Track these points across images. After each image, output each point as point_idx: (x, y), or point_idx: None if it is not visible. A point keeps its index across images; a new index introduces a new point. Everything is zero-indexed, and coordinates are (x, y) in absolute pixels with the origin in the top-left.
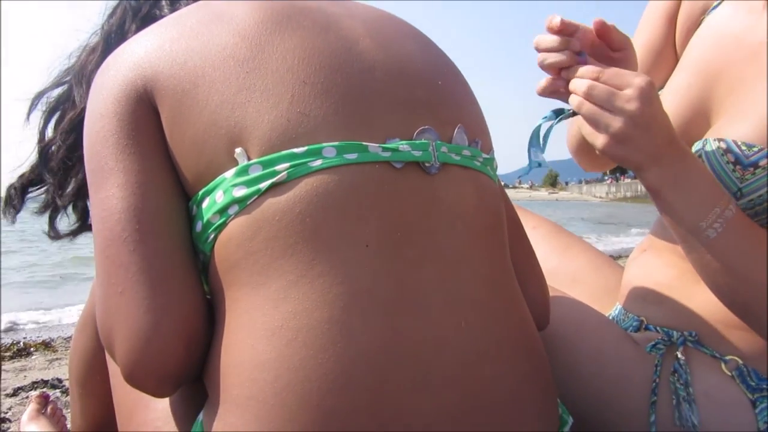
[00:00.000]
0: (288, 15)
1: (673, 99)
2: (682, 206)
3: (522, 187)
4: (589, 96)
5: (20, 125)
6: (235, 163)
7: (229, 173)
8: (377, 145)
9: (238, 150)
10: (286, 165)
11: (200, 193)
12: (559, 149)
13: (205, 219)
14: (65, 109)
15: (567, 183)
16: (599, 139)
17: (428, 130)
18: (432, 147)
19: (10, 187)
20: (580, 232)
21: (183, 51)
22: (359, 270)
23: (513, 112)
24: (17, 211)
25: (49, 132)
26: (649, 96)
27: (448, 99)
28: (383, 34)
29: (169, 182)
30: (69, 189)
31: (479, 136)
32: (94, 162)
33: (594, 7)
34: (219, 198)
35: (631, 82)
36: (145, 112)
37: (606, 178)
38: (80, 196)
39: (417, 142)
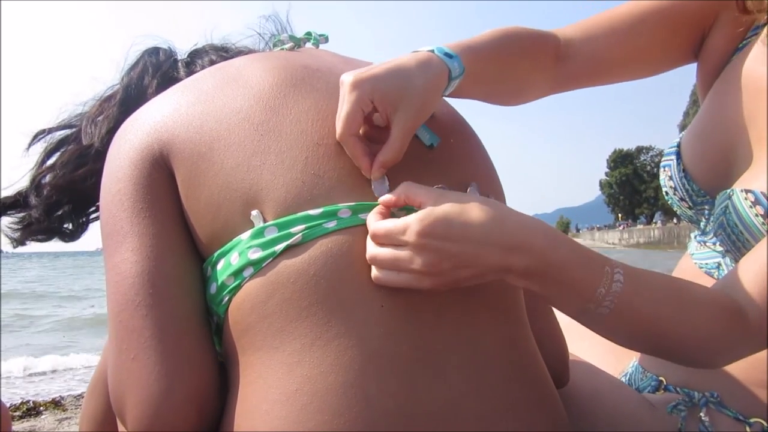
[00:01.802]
0: (301, 78)
1: (696, 143)
2: (561, 297)
3: None
4: (377, 264)
5: (18, 155)
6: (251, 224)
7: (245, 235)
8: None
9: (254, 212)
10: (302, 227)
11: (215, 254)
12: (570, 195)
13: (219, 281)
14: (69, 147)
15: (578, 230)
16: (424, 283)
17: (441, 189)
18: None
19: None
20: None
21: (199, 115)
22: (374, 332)
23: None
24: None
25: (48, 163)
26: (429, 234)
27: (461, 157)
28: None
29: (183, 245)
30: (53, 216)
31: (493, 194)
32: (110, 225)
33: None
34: (234, 260)
35: (400, 235)
36: (161, 175)
37: (619, 224)
38: (67, 219)
39: None
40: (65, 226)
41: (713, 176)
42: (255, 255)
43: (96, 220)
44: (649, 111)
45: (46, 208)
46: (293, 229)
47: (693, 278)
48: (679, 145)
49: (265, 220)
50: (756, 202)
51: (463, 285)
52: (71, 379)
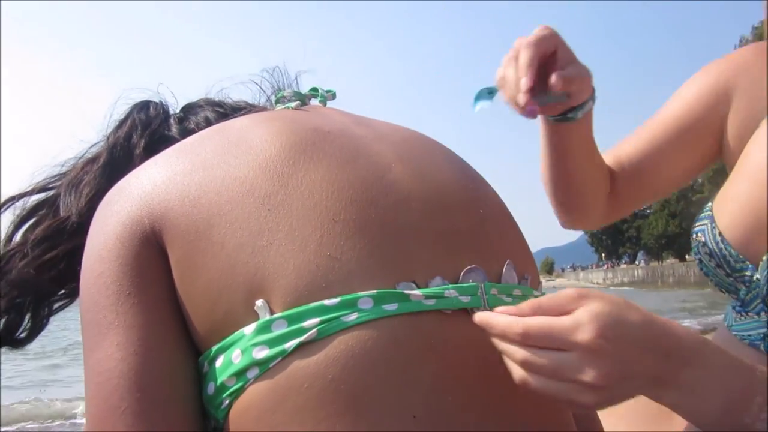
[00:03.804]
0: (312, 142)
1: (733, 205)
2: (717, 412)
3: None
4: (533, 370)
5: None
6: (256, 316)
7: (249, 329)
8: (419, 292)
9: (259, 302)
10: (316, 320)
11: (213, 349)
12: (554, 235)
13: (218, 381)
14: (43, 216)
15: (563, 269)
16: (585, 397)
17: (475, 270)
18: (481, 290)
19: None
20: None
21: (196, 185)
22: None
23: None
24: None
25: (18, 238)
26: (603, 336)
27: (493, 229)
28: (415, 159)
29: (177, 337)
30: (24, 305)
31: (528, 270)
32: (91, 313)
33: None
34: (236, 358)
35: (570, 336)
36: (151, 255)
37: (602, 263)
38: (36, 308)
39: (464, 285)
40: (19, 329)
41: (752, 239)
42: (261, 354)
43: (60, 310)
44: None
45: (12, 297)
46: (306, 323)
47: (736, 350)
48: (711, 209)
49: (272, 312)
50: None
51: (618, 402)
52: None
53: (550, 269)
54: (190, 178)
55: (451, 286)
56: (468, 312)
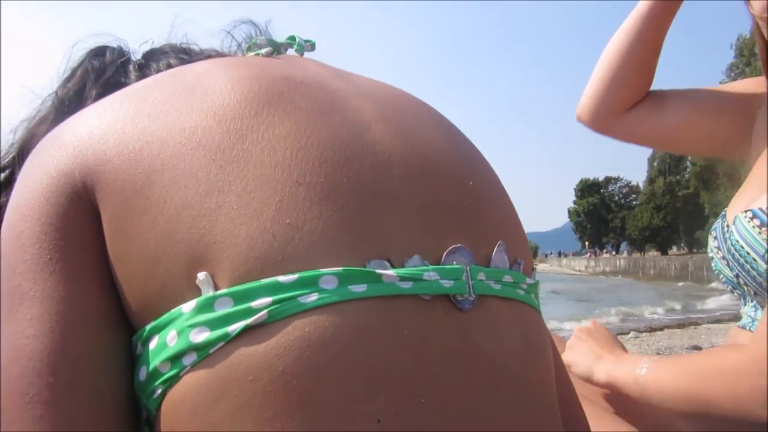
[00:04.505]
0: (280, 92)
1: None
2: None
3: None
4: None
5: None
6: (197, 292)
7: (188, 306)
8: (393, 273)
9: (201, 275)
10: (268, 300)
11: (147, 328)
12: (540, 221)
13: (151, 366)
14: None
15: (546, 255)
16: None
17: (460, 250)
18: (466, 274)
19: None
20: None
21: (138, 134)
22: None
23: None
24: None
25: None
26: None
27: (484, 205)
28: (400, 119)
29: (105, 313)
30: None
31: (521, 254)
32: (7, 281)
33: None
34: (171, 340)
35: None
36: (82, 215)
37: (585, 251)
38: None
39: (447, 267)
40: None
41: None
42: (200, 337)
43: None
44: (619, 142)
45: None
46: (255, 303)
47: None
48: (725, 213)
49: (216, 287)
50: (754, 217)
51: None
52: None
53: (533, 254)
54: (132, 126)
55: (431, 267)
56: (450, 299)
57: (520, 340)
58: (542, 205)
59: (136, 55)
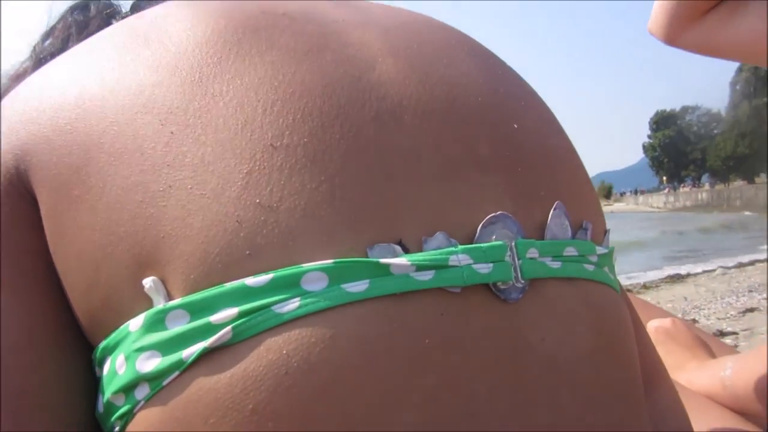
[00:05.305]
0: (254, 29)
1: None
2: None
3: None
4: None
5: None
6: (148, 302)
7: (135, 323)
8: (406, 260)
9: (147, 281)
10: (232, 312)
11: (99, 348)
12: (612, 158)
13: (105, 397)
14: None
15: (622, 194)
16: None
17: (502, 219)
18: (511, 253)
19: None
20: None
21: (75, 101)
22: None
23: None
24: None
25: None
26: None
27: (534, 154)
28: (418, 51)
29: (53, 331)
30: None
31: (588, 214)
32: None
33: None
34: (120, 367)
35: None
36: (18, 207)
37: (663, 187)
38: None
39: (484, 246)
40: None
41: None
42: (149, 364)
43: None
44: (696, 68)
45: None
46: (216, 317)
47: None
48: None
49: (169, 296)
50: None
51: None
52: None
53: (607, 194)
54: (72, 90)
55: (461, 247)
56: (490, 288)
57: (592, 334)
58: (615, 141)
59: (126, 7)
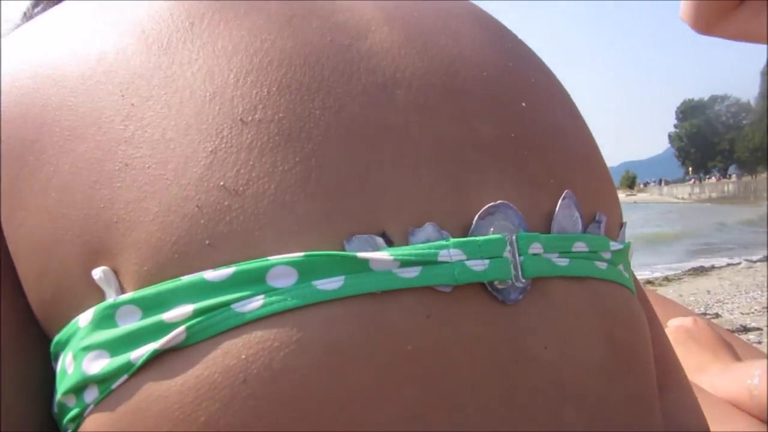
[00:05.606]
0: None
1: None
2: None
3: None
4: None
5: None
6: (98, 296)
7: (85, 318)
8: (388, 254)
9: (97, 272)
10: (187, 309)
11: (53, 342)
12: (637, 148)
13: (57, 396)
14: None
15: (645, 184)
16: None
17: (501, 209)
18: (511, 248)
19: None
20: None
21: (33, 69)
22: None
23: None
24: None
25: None
26: None
27: (543, 137)
28: (417, 19)
29: (10, 321)
30: None
31: (601, 205)
32: None
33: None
34: (69, 366)
35: None
36: None
37: (689, 178)
38: None
39: (479, 239)
40: None
41: None
42: (95, 366)
43: None
44: (725, 56)
45: None
46: (169, 315)
47: None
48: None
49: (122, 289)
50: None
51: None
52: None
53: (631, 184)
54: (31, 59)
55: (452, 241)
56: (486, 287)
57: (603, 341)
58: (640, 130)
59: None
